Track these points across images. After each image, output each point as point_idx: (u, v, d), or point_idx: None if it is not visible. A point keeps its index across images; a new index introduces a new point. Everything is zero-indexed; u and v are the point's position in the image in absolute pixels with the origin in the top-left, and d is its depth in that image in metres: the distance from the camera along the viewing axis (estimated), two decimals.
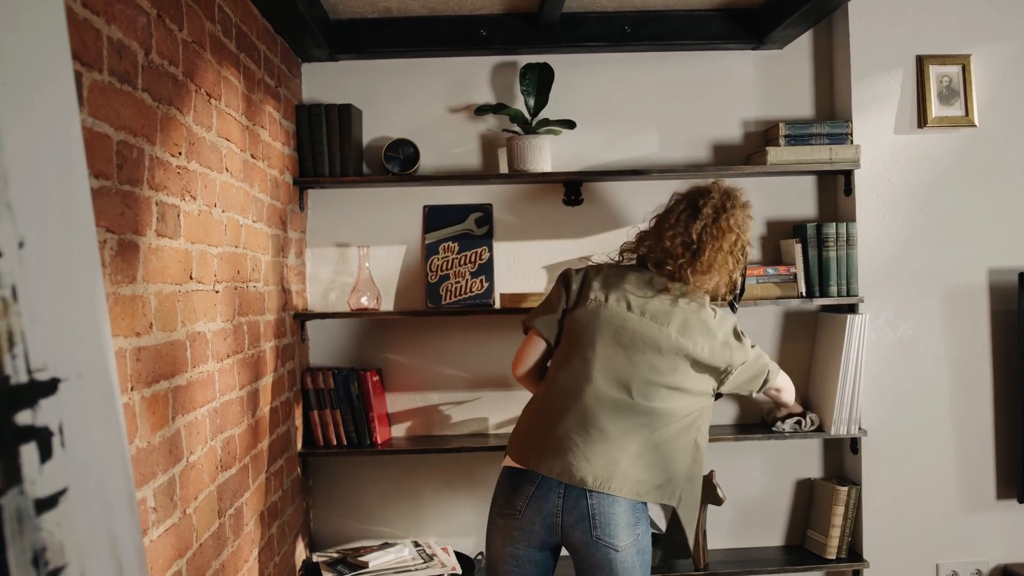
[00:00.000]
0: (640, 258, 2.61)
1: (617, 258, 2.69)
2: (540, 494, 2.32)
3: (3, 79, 1.06)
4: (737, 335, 2.53)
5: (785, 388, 2.84)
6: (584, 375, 2.40)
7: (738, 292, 2.68)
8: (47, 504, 1.04)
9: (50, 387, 1.08)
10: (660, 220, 2.60)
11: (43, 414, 1.05)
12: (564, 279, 2.59)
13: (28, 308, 1.04)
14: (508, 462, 2.45)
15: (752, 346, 2.58)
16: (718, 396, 2.59)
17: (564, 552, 2.50)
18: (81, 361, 1.16)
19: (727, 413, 3.48)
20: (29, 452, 1.01)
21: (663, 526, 2.59)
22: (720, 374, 2.50)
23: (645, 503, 2.38)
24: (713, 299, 2.57)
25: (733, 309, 2.71)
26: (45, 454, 1.05)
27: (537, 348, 2.59)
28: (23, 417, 1.01)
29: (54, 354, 1.09)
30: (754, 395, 2.75)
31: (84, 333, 1.18)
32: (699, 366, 2.45)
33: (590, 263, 2.74)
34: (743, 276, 2.66)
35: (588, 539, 2.28)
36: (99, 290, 1.24)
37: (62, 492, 1.07)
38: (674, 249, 2.49)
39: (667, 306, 2.45)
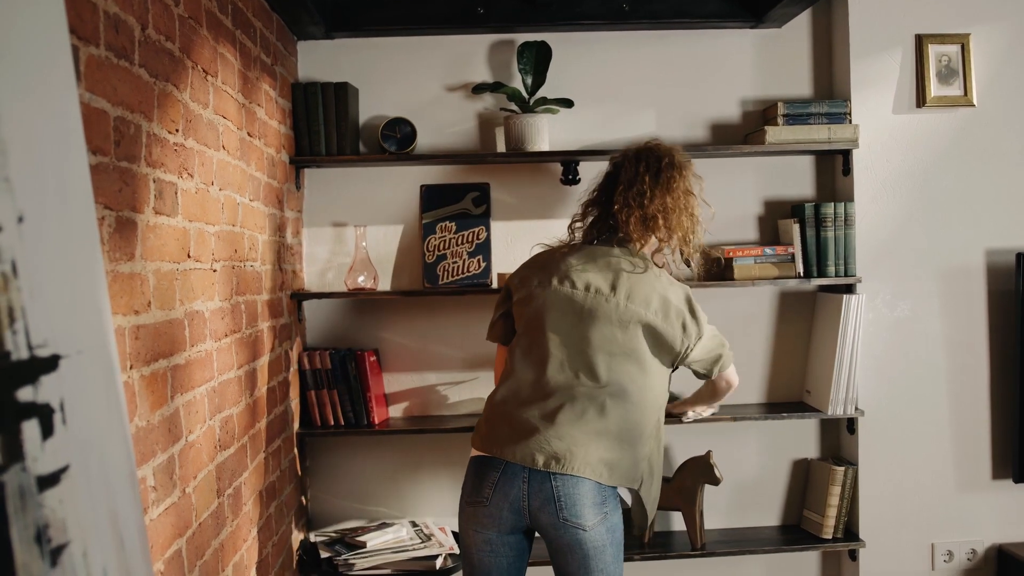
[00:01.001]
0: (588, 229, 2.57)
1: (567, 236, 2.64)
2: (505, 480, 2.32)
3: (1, 53, 1.04)
4: (691, 307, 2.46)
5: (733, 385, 2.75)
6: (540, 361, 2.39)
7: (693, 253, 2.56)
8: (49, 481, 1.03)
9: (51, 364, 1.07)
10: (607, 186, 2.55)
11: (44, 391, 1.04)
12: (506, 283, 2.61)
13: (28, 284, 1.03)
14: (473, 452, 2.44)
15: (708, 323, 2.52)
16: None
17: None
18: (81, 338, 1.15)
19: None
20: (31, 429, 1.00)
21: (629, 501, 2.58)
22: (675, 351, 2.44)
23: None
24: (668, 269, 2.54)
25: (688, 266, 2.64)
26: (47, 431, 1.04)
27: (500, 353, 2.68)
28: (24, 393, 1.00)
29: (54, 330, 1.08)
30: (707, 379, 2.68)
31: (84, 310, 1.17)
32: (654, 336, 2.39)
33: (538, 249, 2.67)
34: (697, 238, 2.54)
35: (556, 521, 2.28)
36: (99, 267, 1.22)
37: (64, 469, 1.07)
38: (627, 211, 2.44)
39: (612, 275, 2.40)
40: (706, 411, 3.10)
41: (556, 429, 2.31)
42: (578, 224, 2.60)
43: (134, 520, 1.26)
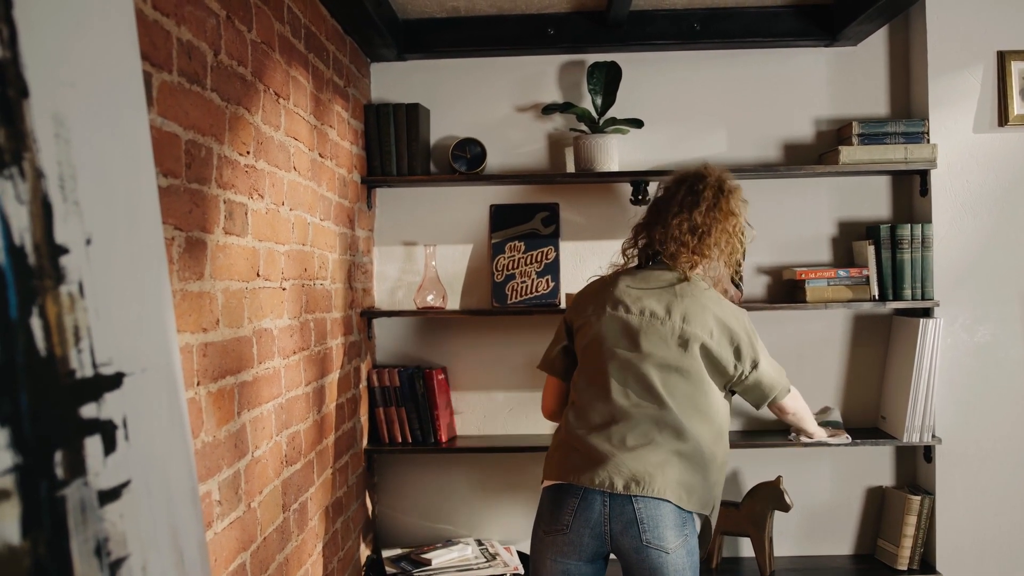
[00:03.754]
0: (641, 252, 2.54)
1: (620, 260, 2.62)
2: (585, 505, 2.29)
3: (73, 80, 1.08)
4: (748, 333, 2.42)
5: (799, 413, 2.67)
6: (603, 387, 2.37)
7: (740, 277, 2.51)
8: (110, 496, 1.06)
9: (115, 381, 1.10)
10: (658, 209, 2.52)
11: (107, 407, 1.08)
12: (565, 314, 2.58)
13: (94, 304, 1.06)
14: (547, 482, 2.42)
15: (766, 353, 2.48)
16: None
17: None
18: (146, 356, 1.18)
19: None
20: (93, 445, 1.03)
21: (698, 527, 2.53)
22: (728, 375, 2.39)
23: None
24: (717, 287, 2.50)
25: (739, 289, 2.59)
26: (109, 447, 1.07)
27: (552, 386, 2.63)
28: (88, 410, 1.03)
29: (119, 349, 1.12)
30: (758, 408, 2.60)
31: (149, 329, 1.21)
32: (710, 358, 2.36)
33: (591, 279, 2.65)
34: (742, 259, 2.52)
35: (638, 544, 2.25)
36: (165, 286, 1.26)
37: (125, 484, 1.09)
38: (680, 235, 2.42)
39: (668, 297, 2.38)
40: (812, 436, 2.90)
41: (630, 453, 2.29)
42: (629, 249, 2.58)
43: (195, 535, 1.29)
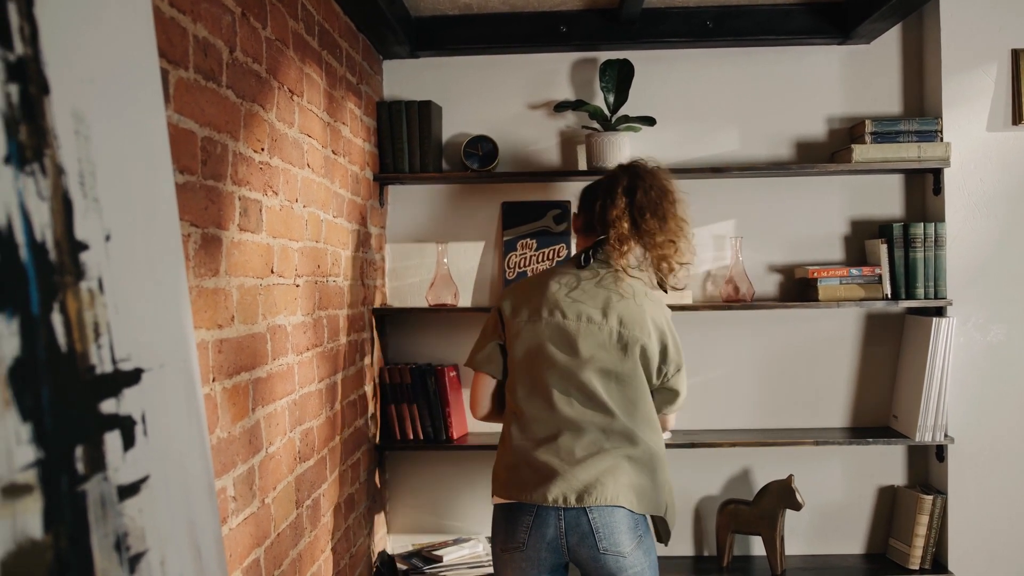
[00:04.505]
0: (580, 249, 2.50)
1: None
2: (540, 522, 2.28)
3: (91, 76, 1.09)
4: (674, 333, 2.39)
5: (668, 428, 2.61)
6: (546, 400, 2.33)
7: (676, 272, 2.41)
8: (129, 491, 1.06)
9: (134, 377, 1.11)
10: (594, 204, 2.46)
11: (127, 403, 1.08)
12: (498, 308, 2.47)
13: (113, 300, 1.07)
14: (497, 500, 2.39)
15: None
16: None
17: None
18: (164, 352, 1.19)
19: (805, 417, 3.41)
20: (113, 440, 1.04)
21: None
22: (652, 375, 2.37)
23: None
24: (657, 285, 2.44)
25: (664, 291, 2.46)
26: (128, 442, 1.08)
27: (487, 386, 2.49)
28: (107, 406, 1.04)
29: (138, 345, 1.12)
30: (659, 413, 2.51)
31: (167, 325, 1.21)
32: (646, 358, 2.33)
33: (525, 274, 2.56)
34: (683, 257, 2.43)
35: (595, 553, 2.25)
36: (182, 283, 1.26)
37: (144, 479, 1.10)
38: (620, 228, 2.37)
39: (603, 300, 2.34)
40: None
41: (580, 465, 2.27)
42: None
43: (211, 529, 1.29)
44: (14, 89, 0.90)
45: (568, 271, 2.43)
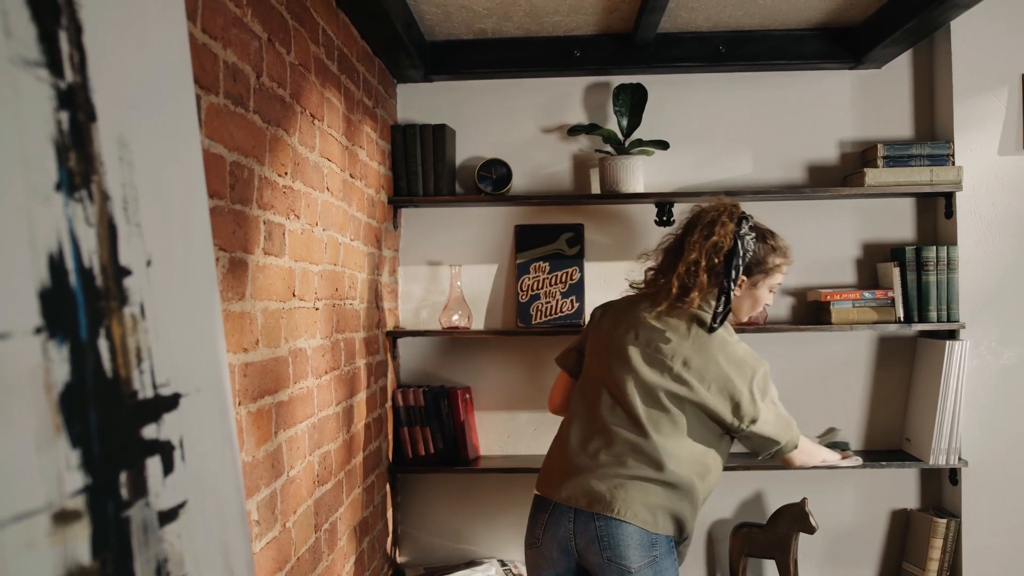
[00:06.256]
0: (656, 276, 2.51)
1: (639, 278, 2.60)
2: (553, 520, 2.35)
3: (134, 102, 1.10)
4: (751, 389, 2.35)
5: (807, 464, 2.59)
6: (594, 404, 2.41)
7: (720, 311, 2.38)
8: (169, 516, 1.06)
9: (172, 402, 1.11)
10: (671, 246, 2.52)
11: (166, 428, 1.08)
12: (592, 314, 2.61)
13: (154, 325, 1.07)
14: (535, 491, 2.48)
15: (773, 404, 2.41)
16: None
17: None
18: (200, 376, 1.19)
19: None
20: (154, 465, 1.04)
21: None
22: (726, 424, 2.36)
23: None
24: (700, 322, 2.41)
25: (712, 329, 2.40)
26: (168, 467, 1.08)
27: (561, 382, 2.69)
28: (148, 431, 1.04)
29: (176, 370, 1.13)
30: (757, 458, 2.53)
31: (203, 349, 1.22)
32: (701, 408, 2.34)
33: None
34: (727, 290, 2.38)
35: (601, 560, 2.28)
36: (216, 307, 1.27)
37: (182, 504, 1.10)
38: (685, 271, 2.40)
39: (676, 338, 2.36)
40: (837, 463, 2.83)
41: (600, 469, 2.31)
42: (651, 272, 2.55)
43: (243, 554, 1.29)
44: (64, 116, 0.91)
45: (659, 301, 2.42)
